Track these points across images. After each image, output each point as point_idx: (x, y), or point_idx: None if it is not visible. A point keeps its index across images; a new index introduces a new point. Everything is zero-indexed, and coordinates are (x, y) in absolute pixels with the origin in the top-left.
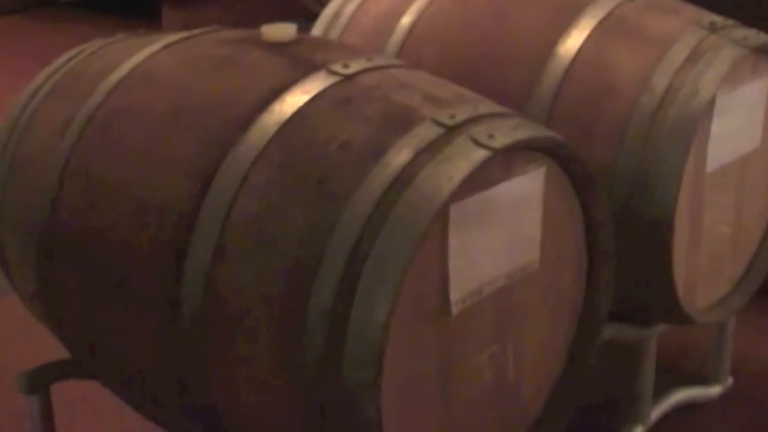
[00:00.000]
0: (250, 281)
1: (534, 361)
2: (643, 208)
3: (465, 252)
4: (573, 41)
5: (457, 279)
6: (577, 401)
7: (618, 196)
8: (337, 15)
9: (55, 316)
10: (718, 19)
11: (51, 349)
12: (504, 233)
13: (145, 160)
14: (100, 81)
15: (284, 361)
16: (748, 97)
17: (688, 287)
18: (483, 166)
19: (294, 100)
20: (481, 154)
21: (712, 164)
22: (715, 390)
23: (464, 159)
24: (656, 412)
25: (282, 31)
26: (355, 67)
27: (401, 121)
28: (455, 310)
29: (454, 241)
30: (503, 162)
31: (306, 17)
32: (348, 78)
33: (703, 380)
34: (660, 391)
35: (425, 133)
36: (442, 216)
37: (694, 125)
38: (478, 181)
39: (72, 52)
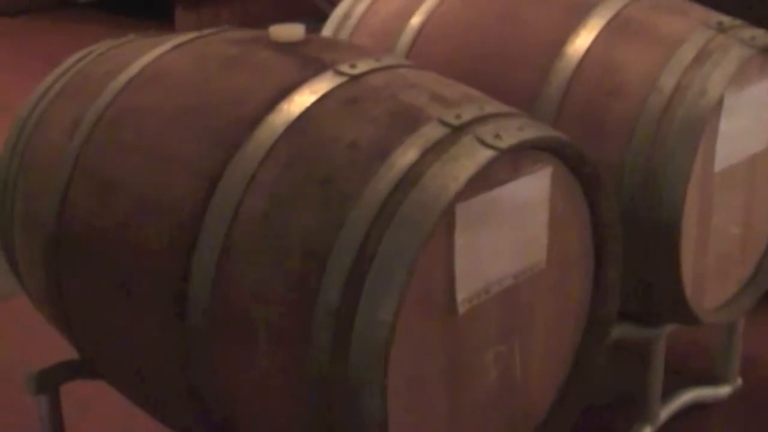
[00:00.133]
0: (257, 280)
1: (541, 361)
2: (651, 208)
3: (471, 252)
4: (581, 41)
5: (464, 279)
6: (585, 401)
7: (626, 195)
8: (347, 15)
9: (63, 316)
10: (726, 19)
11: (60, 349)
12: (510, 233)
13: (153, 160)
14: (109, 81)
15: (291, 360)
16: (756, 97)
17: (697, 287)
18: (489, 166)
19: (302, 99)
20: (487, 154)
21: (720, 164)
22: (724, 390)
23: (470, 159)
24: (665, 413)
25: (290, 31)
26: (362, 67)
27: (408, 121)
28: (461, 309)
29: (460, 241)
30: (510, 162)
31: (318, 18)
32: (355, 78)
33: (712, 381)
34: (669, 392)
35: (431, 132)
36: (448, 216)
37: (702, 125)
38: (484, 181)
39: (81, 53)
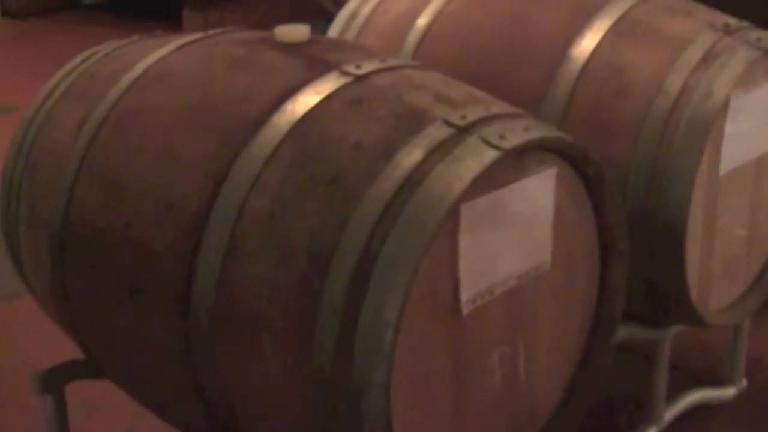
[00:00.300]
0: (261, 280)
1: (546, 362)
2: (657, 209)
3: (476, 252)
4: (588, 42)
5: (468, 279)
6: (590, 402)
7: (631, 196)
8: (353, 16)
9: (68, 316)
10: (733, 21)
11: (65, 349)
12: (515, 234)
13: (158, 160)
14: (114, 81)
15: (296, 360)
16: (763, 99)
17: (702, 289)
18: (494, 167)
19: (306, 100)
20: (491, 154)
21: (726, 166)
22: (729, 392)
23: (475, 159)
24: (670, 413)
25: (295, 31)
26: (367, 67)
27: (413, 122)
28: (466, 310)
29: (464, 241)
30: (515, 162)
31: (325, 18)
32: (360, 78)
33: (717, 382)
34: (674, 393)
35: (436, 133)
36: (452, 216)
37: (708, 127)
38: (489, 181)
39: (86, 54)
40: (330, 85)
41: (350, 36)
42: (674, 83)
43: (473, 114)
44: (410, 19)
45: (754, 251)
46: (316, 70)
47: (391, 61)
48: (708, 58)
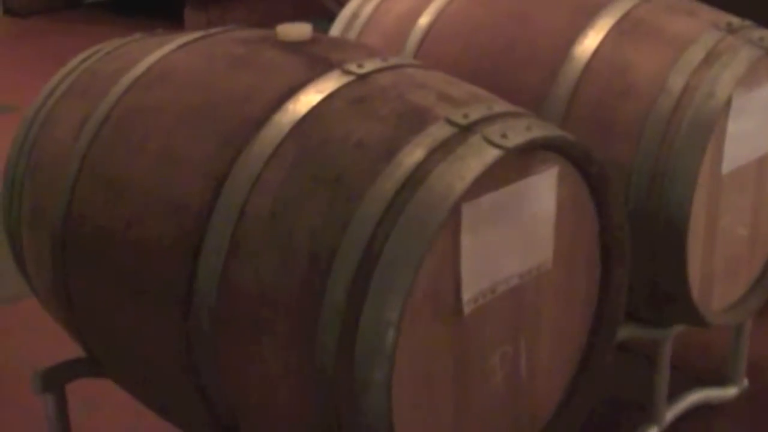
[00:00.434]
0: (263, 279)
1: (547, 362)
2: (659, 208)
3: (477, 251)
4: (590, 42)
5: (470, 278)
6: (592, 402)
7: (634, 196)
8: (355, 15)
9: (70, 315)
10: (735, 20)
11: (67, 351)
12: (517, 233)
13: (160, 159)
14: (115, 80)
15: (297, 359)
16: (765, 99)
17: (704, 288)
18: (496, 166)
19: (308, 99)
20: (493, 153)
21: (728, 165)
22: (730, 392)
23: (477, 158)
24: (671, 413)
25: (297, 30)
26: (369, 66)
27: (415, 121)
28: (467, 309)
29: (466, 241)
30: (517, 162)
31: (327, 17)
32: (362, 77)
33: (718, 381)
34: (675, 392)
35: (438, 132)
36: (454, 215)
37: (711, 126)
38: (491, 180)
39: (88, 52)
40: (332, 84)
41: (352, 35)
42: (676, 83)
43: (475, 113)
44: (412, 19)
45: (757, 251)
46: (317, 69)
47: (393, 60)
48: (710, 58)
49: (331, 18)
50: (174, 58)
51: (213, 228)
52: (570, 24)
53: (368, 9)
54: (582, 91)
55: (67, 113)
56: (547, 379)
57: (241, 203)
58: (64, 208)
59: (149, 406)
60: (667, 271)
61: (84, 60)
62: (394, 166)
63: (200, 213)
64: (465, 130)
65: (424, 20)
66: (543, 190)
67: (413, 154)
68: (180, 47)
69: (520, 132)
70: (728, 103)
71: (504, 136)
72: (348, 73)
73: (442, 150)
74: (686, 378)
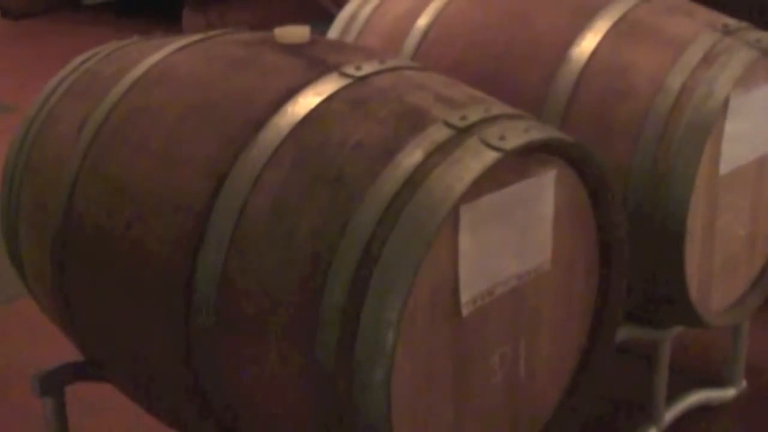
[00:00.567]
0: (263, 280)
1: (546, 363)
2: (657, 209)
3: (476, 253)
4: (588, 43)
5: (468, 280)
6: (591, 403)
7: (632, 197)
8: (353, 17)
9: (68, 316)
10: (732, 21)
11: (66, 352)
12: (516, 234)
13: (160, 159)
14: (115, 82)
15: (297, 360)
16: (762, 100)
17: (702, 289)
18: (494, 168)
19: (306, 101)
20: (492, 155)
21: (726, 166)
22: (729, 392)
23: (475, 160)
24: (670, 414)
25: (295, 33)
26: (367, 69)
27: (413, 123)
28: (466, 311)
29: (465, 242)
30: (515, 163)
31: (325, 20)
32: (361, 80)
33: (717, 382)
34: (674, 393)
35: (437, 134)
36: (453, 217)
37: (709, 127)
38: (489, 182)
39: (87, 54)
40: (330, 86)
41: (350, 37)
42: (675, 83)
43: (474, 115)
44: (410, 20)
45: (755, 251)
46: (316, 72)
47: (391, 62)
48: (708, 59)
49: (329, 20)
50: (174, 60)
51: (213, 228)
52: (568, 25)
53: (366, 11)
54: (581, 92)
55: (68, 113)
56: (547, 380)
57: (241, 203)
58: (64, 207)
59: (148, 409)
60: (666, 272)
61: (84, 61)
62: (393, 167)
63: (200, 213)
64: (463, 133)
65: (422, 22)
66: (542, 191)
67: (412, 156)
68: (179, 49)
69: (518, 134)
70: (726, 103)
71: (502, 138)
72: (346, 75)
73: (441, 152)
74: (685, 379)
